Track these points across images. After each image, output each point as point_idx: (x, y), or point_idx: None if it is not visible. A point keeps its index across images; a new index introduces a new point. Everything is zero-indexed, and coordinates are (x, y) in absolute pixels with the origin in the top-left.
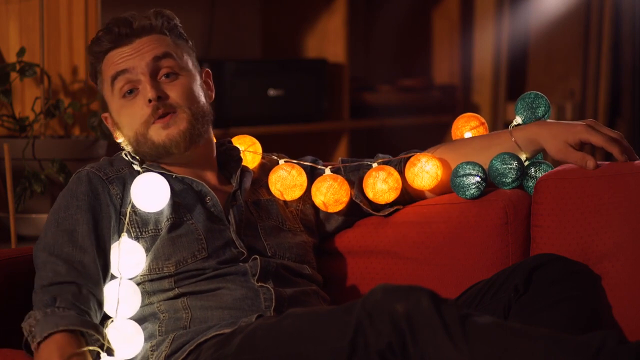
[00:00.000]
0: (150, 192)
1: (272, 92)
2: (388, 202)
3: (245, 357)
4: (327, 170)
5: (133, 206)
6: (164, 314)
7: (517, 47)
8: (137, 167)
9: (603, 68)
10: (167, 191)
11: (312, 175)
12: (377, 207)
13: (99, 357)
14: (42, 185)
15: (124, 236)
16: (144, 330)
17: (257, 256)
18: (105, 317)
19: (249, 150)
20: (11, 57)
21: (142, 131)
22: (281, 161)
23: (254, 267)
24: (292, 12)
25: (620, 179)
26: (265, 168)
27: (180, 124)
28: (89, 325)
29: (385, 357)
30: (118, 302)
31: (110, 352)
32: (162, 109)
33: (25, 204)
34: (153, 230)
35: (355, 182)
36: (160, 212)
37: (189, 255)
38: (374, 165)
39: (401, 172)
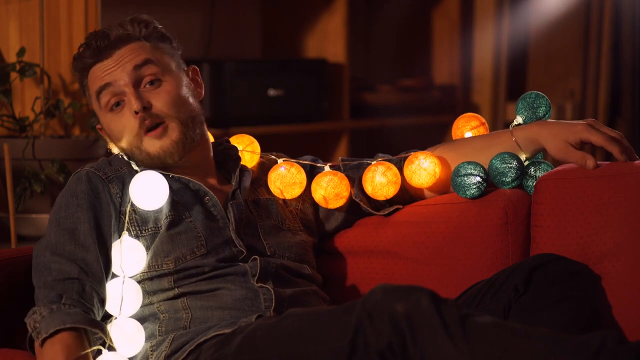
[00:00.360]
0: (149, 190)
1: (272, 92)
2: (387, 197)
3: (245, 357)
4: (327, 167)
5: (132, 205)
6: (164, 314)
7: (517, 47)
8: (135, 167)
9: (603, 68)
10: (165, 189)
11: (312, 174)
12: (377, 207)
13: (99, 354)
14: (42, 185)
15: (125, 234)
16: (144, 330)
17: (256, 257)
18: (106, 315)
19: (247, 149)
20: (11, 57)
21: (136, 143)
22: (280, 160)
23: (253, 268)
24: (292, 12)
25: (620, 179)
26: (264, 167)
27: (172, 134)
28: (94, 324)
29: (385, 357)
30: (122, 300)
31: (112, 350)
32: (149, 119)
33: (25, 204)
34: (153, 229)
35: (356, 180)
36: (160, 210)
37: (188, 251)
38: (373, 162)
39: (400, 171)
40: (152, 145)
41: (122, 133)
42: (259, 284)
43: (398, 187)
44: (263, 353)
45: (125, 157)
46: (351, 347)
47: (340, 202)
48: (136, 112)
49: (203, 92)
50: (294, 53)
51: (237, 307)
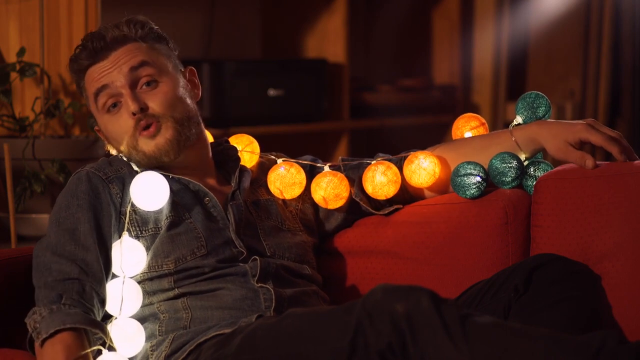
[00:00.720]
0: (150, 191)
1: (272, 92)
2: (387, 196)
3: (245, 357)
4: (327, 168)
5: (133, 205)
6: (164, 314)
7: (517, 47)
8: (135, 167)
9: (603, 68)
10: (166, 190)
11: (312, 174)
12: (377, 206)
13: (99, 354)
14: (42, 185)
15: (125, 235)
16: (144, 330)
17: (256, 257)
18: (106, 316)
19: (246, 149)
20: (11, 57)
21: (132, 143)
22: (279, 160)
23: (254, 268)
24: (292, 12)
25: (620, 179)
26: (264, 167)
27: (166, 132)
28: (94, 324)
29: (385, 357)
30: (122, 300)
31: (112, 350)
32: (145, 120)
33: (25, 204)
34: (153, 229)
35: (356, 180)
36: (160, 211)
37: (188, 252)
38: (373, 162)
39: (400, 170)
40: (147, 144)
41: (119, 134)
42: (259, 284)
43: (398, 186)
44: (263, 353)
45: (125, 158)
46: (351, 347)
47: (339, 203)
48: (133, 114)
49: (200, 93)
50: (294, 53)
51: (237, 307)
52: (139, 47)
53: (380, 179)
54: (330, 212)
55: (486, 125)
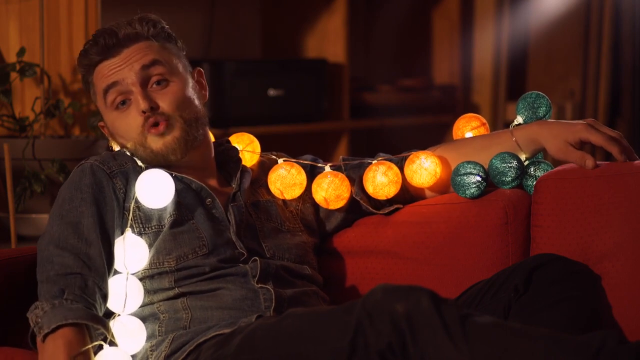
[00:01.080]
0: (156, 189)
1: (272, 92)
2: (388, 197)
3: (245, 357)
4: (327, 168)
5: (137, 201)
6: (163, 314)
7: (517, 47)
8: (139, 162)
9: (603, 68)
10: (171, 188)
11: (312, 174)
12: (377, 206)
13: (101, 349)
14: (42, 185)
15: (128, 231)
16: None
17: (257, 258)
18: (107, 312)
19: (247, 149)
20: (11, 57)
21: (141, 141)
22: (280, 160)
23: (254, 269)
24: (292, 12)
25: (619, 179)
26: (265, 167)
27: (175, 131)
28: (96, 319)
29: (385, 357)
30: (126, 297)
31: (113, 345)
32: (153, 118)
33: (25, 204)
34: (156, 226)
35: (356, 180)
36: (164, 209)
37: (190, 251)
38: (374, 162)
39: (401, 170)
40: (155, 142)
41: (126, 131)
42: (259, 285)
43: (399, 186)
44: (263, 353)
45: (129, 153)
46: (351, 347)
47: (340, 203)
48: (143, 112)
49: (207, 95)
50: (294, 53)
51: (237, 307)
52: (151, 45)
53: (381, 180)
54: (330, 212)
55: (487, 125)
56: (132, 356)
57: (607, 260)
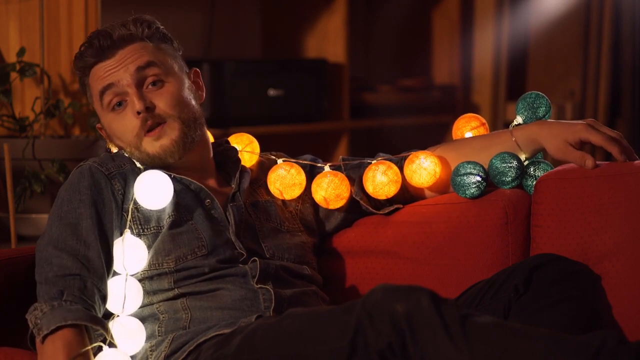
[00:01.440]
0: (154, 190)
1: (272, 92)
2: (388, 196)
3: (245, 357)
4: (327, 167)
5: (135, 203)
6: (163, 315)
7: (517, 47)
8: (138, 164)
9: (603, 68)
10: (170, 189)
11: (312, 174)
12: (377, 206)
13: (100, 350)
14: (42, 185)
15: (127, 233)
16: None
17: (256, 258)
18: (106, 313)
19: (246, 149)
20: (11, 57)
21: (136, 143)
22: (280, 160)
23: (253, 269)
24: (292, 12)
25: (619, 179)
26: (264, 167)
27: (172, 133)
28: (95, 321)
29: (386, 357)
30: (125, 298)
31: (112, 346)
32: (151, 120)
33: (25, 204)
34: (155, 227)
35: (356, 179)
36: (163, 210)
37: (189, 251)
38: (374, 162)
39: (401, 170)
40: (152, 146)
41: (122, 133)
42: (259, 285)
43: (399, 186)
44: (263, 353)
45: (127, 155)
46: (351, 347)
47: (340, 203)
48: (138, 113)
49: (204, 95)
50: (294, 53)
51: (237, 307)
52: (146, 46)
53: (381, 179)
54: (330, 212)
55: (486, 125)
56: (132, 357)
57: (607, 260)
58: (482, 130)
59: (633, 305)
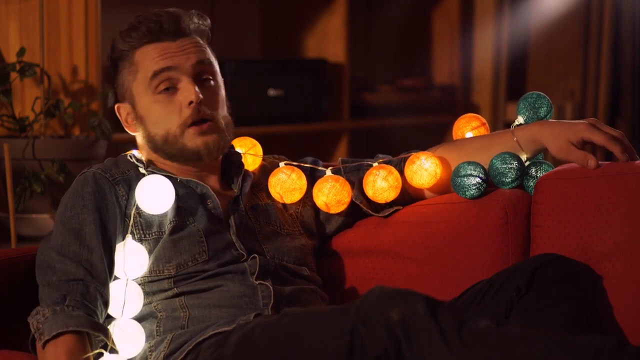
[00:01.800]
0: (156, 195)
1: (272, 92)
2: (387, 201)
3: (243, 356)
4: (328, 171)
5: (138, 208)
6: (161, 313)
7: (517, 47)
8: (142, 170)
9: (603, 68)
10: (172, 194)
11: (312, 177)
12: (377, 208)
13: (101, 356)
14: (42, 185)
15: (129, 238)
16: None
17: (256, 255)
18: (108, 318)
19: (250, 153)
20: (11, 57)
21: (176, 133)
22: (281, 163)
23: (252, 266)
24: (292, 12)
25: (620, 179)
26: (266, 170)
27: (217, 133)
28: (97, 327)
29: None
30: (125, 303)
31: (113, 352)
32: (202, 113)
33: (25, 204)
34: (156, 233)
35: (356, 182)
36: (164, 215)
37: (190, 258)
38: (375, 164)
39: (401, 172)
40: (193, 140)
41: (164, 118)
42: (258, 282)
43: (399, 191)
44: (261, 352)
45: (132, 158)
46: (348, 350)
47: (341, 208)
48: (191, 102)
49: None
50: (294, 53)
51: (235, 304)
52: (204, 44)
53: (381, 184)
54: (330, 215)
55: (487, 125)
56: (132, 358)
57: (607, 260)
58: (482, 131)
59: (633, 305)
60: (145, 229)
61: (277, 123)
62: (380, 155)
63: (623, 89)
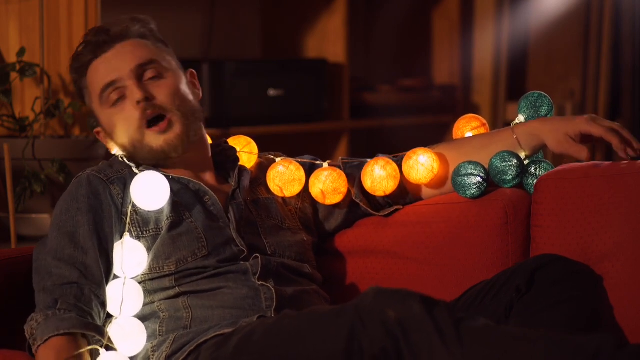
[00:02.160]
0: (150, 191)
1: (272, 92)
2: (386, 192)
3: (243, 357)
4: (326, 164)
5: (134, 206)
6: (164, 313)
7: (517, 47)
8: (135, 170)
9: (603, 68)
10: (167, 189)
11: (311, 172)
12: (377, 207)
13: (98, 354)
14: (42, 185)
15: (127, 236)
16: (145, 329)
17: (257, 255)
18: (109, 317)
19: (244, 150)
20: (11, 57)
21: (138, 137)
22: (278, 159)
23: (254, 266)
24: (292, 12)
25: (619, 179)
26: (263, 167)
27: (176, 128)
28: (89, 327)
29: None
30: (122, 300)
31: (112, 350)
32: (151, 110)
33: (25, 204)
34: (154, 230)
35: (356, 180)
36: (161, 211)
37: (189, 254)
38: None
39: (400, 168)
40: (156, 139)
41: (123, 127)
42: (260, 282)
43: (397, 182)
44: (261, 353)
45: (126, 160)
46: (347, 350)
47: (337, 198)
48: (138, 102)
49: (201, 94)
50: (294, 53)
51: (238, 306)
52: (144, 43)
53: (379, 173)
54: (330, 213)
55: (487, 126)
56: (133, 357)
57: (607, 260)
58: (482, 131)
59: (633, 305)
60: (143, 226)
61: (277, 123)
62: (379, 155)
63: (623, 89)
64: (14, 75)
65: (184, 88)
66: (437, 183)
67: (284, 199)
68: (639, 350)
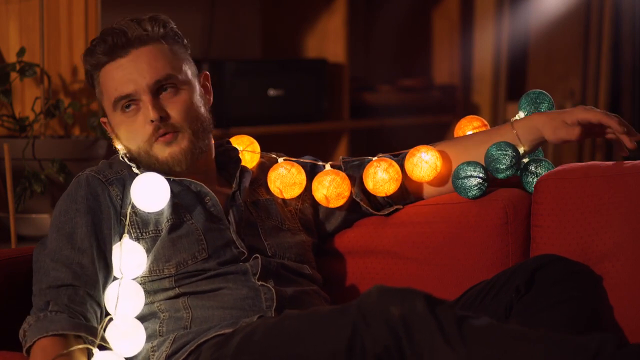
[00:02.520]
0: (150, 192)
1: (272, 92)
2: (387, 194)
3: (244, 357)
4: (328, 166)
5: (133, 207)
6: (164, 314)
7: (517, 47)
8: (135, 170)
9: (603, 68)
10: (167, 191)
11: (313, 174)
12: (377, 207)
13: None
14: (42, 185)
15: (126, 237)
16: (145, 329)
17: (257, 255)
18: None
19: (247, 150)
20: (11, 57)
21: (146, 148)
22: (280, 159)
23: (254, 266)
24: (292, 12)
25: (619, 179)
26: (264, 167)
27: (182, 142)
28: (79, 328)
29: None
30: (117, 299)
31: (107, 349)
32: (164, 128)
33: (25, 204)
34: (153, 231)
35: (356, 180)
36: (161, 213)
37: (189, 256)
38: (375, 158)
39: (402, 167)
40: (162, 151)
41: (132, 136)
42: (260, 283)
43: (399, 184)
44: (262, 353)
45: (127, 160)
46: (349, 349)
47: (341, 202)
48: (152, 121)
49: (212, 100)
50: (294, 53)
51: (239, 306)
52: (162, 48)
53: (382, 176)
54: (330, 213)
55: (488, 127)
56: (133, 357)
57: (607, 260)
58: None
59: (633, 305)
60: (142, 227)
61: (277, 123)
62: (380, 155)
63: (623, 89)
64: (14, 75)
65: (197, 101)
66: (440, 181)
67: (283, 199)
68: (639, 350)
